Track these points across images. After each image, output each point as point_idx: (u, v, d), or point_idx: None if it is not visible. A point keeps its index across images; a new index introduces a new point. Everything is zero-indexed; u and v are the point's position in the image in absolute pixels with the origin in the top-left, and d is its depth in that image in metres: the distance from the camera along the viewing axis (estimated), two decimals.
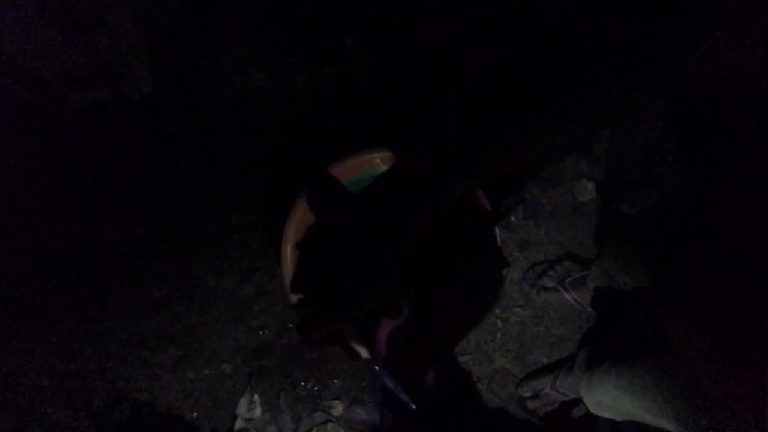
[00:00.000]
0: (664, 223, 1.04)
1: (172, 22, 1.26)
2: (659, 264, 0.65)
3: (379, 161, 0.89)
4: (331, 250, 0.41)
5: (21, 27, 1.09)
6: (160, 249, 1.22)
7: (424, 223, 0.37)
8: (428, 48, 1.25)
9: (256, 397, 1.17)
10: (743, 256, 0.46)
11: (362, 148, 0.90)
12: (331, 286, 0.40)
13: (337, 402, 1.16)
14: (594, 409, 0.90)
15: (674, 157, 1.17)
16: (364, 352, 0.54)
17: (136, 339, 1.20)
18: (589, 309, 1.12)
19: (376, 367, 0.48)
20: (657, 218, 1.13)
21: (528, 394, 1.15)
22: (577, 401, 1.12)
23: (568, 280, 1.12)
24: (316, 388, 1.17)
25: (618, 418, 0.84)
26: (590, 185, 1.20)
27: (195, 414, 1.18)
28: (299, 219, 0.88)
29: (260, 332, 1.19)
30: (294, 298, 0.71)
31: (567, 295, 1.11)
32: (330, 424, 1.15)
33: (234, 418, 1.16)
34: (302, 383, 1.17)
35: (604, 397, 0.81)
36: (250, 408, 1.16)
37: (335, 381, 1.17)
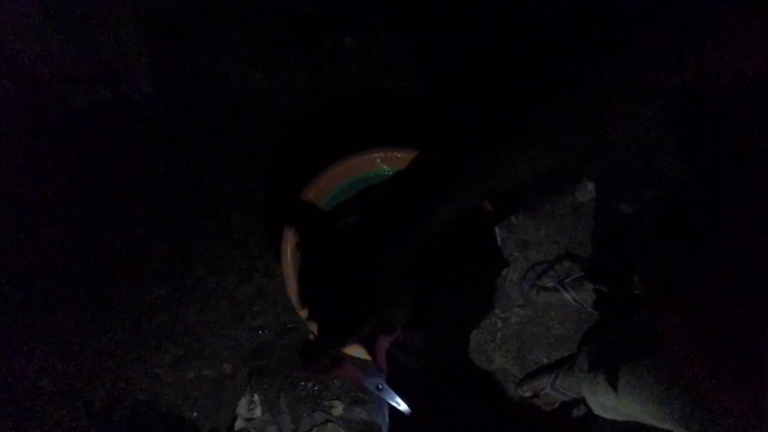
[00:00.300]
0: (661, 221, 1.04)
1: (172, 22, 1.26)
2: (653, 264, 0.64)
3: (379, 161, 0.89)
4: (328, 276, 0.41)
5: (21, 27, 1.09)
6: (160, 249, 1.22)
7: (419, 246, 0.37)
8: (428, 48, 1.25)
9: (256, 397, 1.17)
10: (741, 258, 0.46)
11: (362, 148, 0.90)
12: (331, 313, 0.40)
13: (337, 402, 1.16)
14: (598, 411, 0.90)
15: (674, 157, 1.17)
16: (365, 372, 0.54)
17: (136, 339, 1.20)
18: (589, 308, 1.12)
19: (379, 385, 0.48)
20: (653, 215, 1.13)
21: (528, 394, 1.15)
22: (577, 401, 1.12)
23: (567, 279, 1.12)
24: (316, 388, 1.17)
25: (622, 419, 0.84)
26: (590, 185, 1.20)
27: (195, 414, 1.18)
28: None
29: (260, 332, 1.19)
30: (304, 314, 0.71)
31: (567, 295, 1.11)
32: (330, 424, 1.15)
33: (234, 418, 1.16)
34: (302, 383, 1.17)
35: (608, 399, 0.81)
36: (250, 408, 1.16)
37: (335, 381, 1.17)
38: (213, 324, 1.20)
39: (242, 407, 1.16)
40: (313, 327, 0.44)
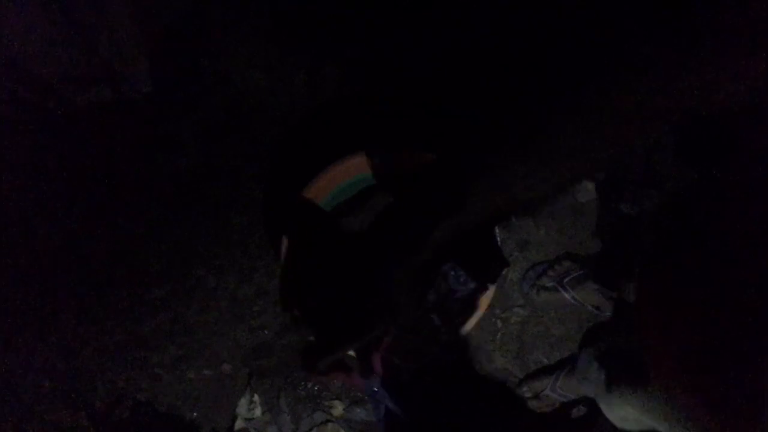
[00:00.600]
0: (661, 225, 1.04)
1: (172, 22, 1.26)
2: (653, 268, 0.64)
3: (378, 161, 0.89)
4: (332, 283, 0.41)
5: (21, 27, 1.09)
6: (160, 249, 1.22)
7: (425, 260, 0.37)
8: (428, 48, 1.25)
9: (256, 397, 1.17)
10: (743, 261, 0.46)
11: (362, 148, 0.90)
12: (334, 317, 0.40)
13: (337, 402, 1.16)
14: (620, 425, 0.89)
15: (674, 157, 1.17)
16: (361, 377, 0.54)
17: (136, 339, 1.20)
18: (589, 308, 1.12)
19: (376, 389, 0.48)
20: (653, 218, 1.13)
21: (528, 395, 1.15)
22: (577, 401, 1.12)
23: (566, 279, 1.12)
24: (316, 388, 1.17)
25: (645, 429, 0.84)
26: (590, 185, 1.20)
27: (195, 414, 1.18)
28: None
29: (260, 332, 1.19)
30: (287, 316, 0.71)
31: (566, 295, 1.11)
32: (330, 424, 1.15)
33: (234, 418, 1.16)
34: (302, 383, 1.17)
35: (628, 413, 0.81)
36: (250, 408, 1.16)
37: (335, 381, 1.17)
38: (213, 324, 1.20)
39: (242, 407, 1.16)
40: (303, 328, 0.43)
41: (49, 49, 1.13)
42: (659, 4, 0.30)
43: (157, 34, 1.24)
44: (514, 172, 0.35)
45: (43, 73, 1.17)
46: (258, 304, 1.20)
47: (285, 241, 0.88)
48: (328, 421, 1.15)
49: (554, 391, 1.10)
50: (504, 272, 1.18)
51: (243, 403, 1.16)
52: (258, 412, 1.16)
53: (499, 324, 1.19)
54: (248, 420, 1.15)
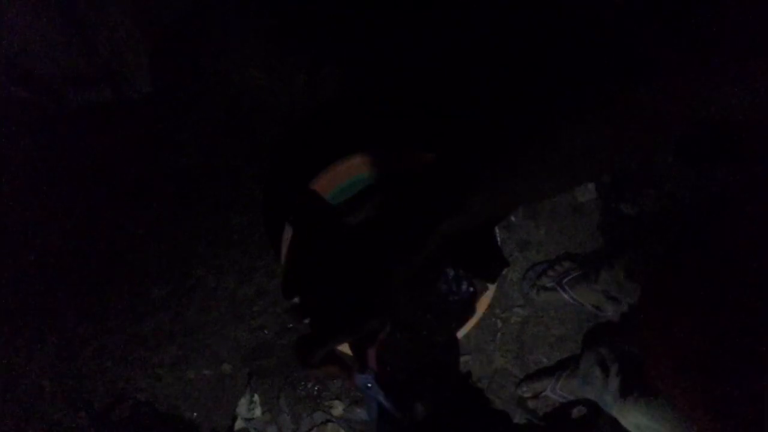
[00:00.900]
0: (663, 225, 1.04)
1: (172, 23, 1.25)
2: (657, 270, 0.64)
3: (379, 161, 0.89)
4: (331, 276, 0.41)
5: (21, 27, 1.09)
6: (160, 249, 1.22)
7: (424, 258, 0.37)
8: (428, 48, 1.25)
9: (256, 397, 1.17)
10: (743, 261, 0.46)
11: (362, 148, 0.90)
12: (330, 309, 0.40)
13: (337, 402, 1.16)
14: (634, 431, 0.89)
15: (674, 157, 1.17)
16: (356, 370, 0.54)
17: (136, 339, 1.20)
18: (589, 307, 1.12)
19: (369, 385, 0.48)
20: (656, 217, 1.13)
21: (528, 395, 1.15)
22: (577, 402, 1.12)
23: (566, 279, 1.12)
24: (316, 388, 1.17)
25: None
26: (590, 185, 1.20)
27: (195, 414, 1.18)
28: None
29: (260, 332, 1.19)
30: (287, 304, 0.70)
31: (566, 295, 1.11)
32: (330, 424, 1.15)
33: (234, 418, 1.16)
34: (302, 383, 1.17)
35: (642, 419, 0.81)
36: (250, 408, 1.16)
37: (335, 381, 1.17)
38: (213, 324, 1.20)
39: (242, 407, 1.16)
40: (300, 319, 0.43)
41: (49, 49, 1.13)
42: (660, 5, 0.30)
43: (157, 34, 1.24)
44: (515, 173, 0.35)
45: (43, 73, 1.17)
46: (258, 304, 1.20)
47: (288, 232, 0.87)
48: (328, 421, 1.15)
49: (554, 393, 1.10)
50: (504, 272, 1.18)
51: (243, 403, 1.16)
52: (258, 412, 1.16)
53: (499, 324, 1.19)
54: (248, 420, 1.15)
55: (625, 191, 1.17)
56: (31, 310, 1.20)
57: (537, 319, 1.19)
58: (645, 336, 0.60)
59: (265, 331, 1.19)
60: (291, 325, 1.19)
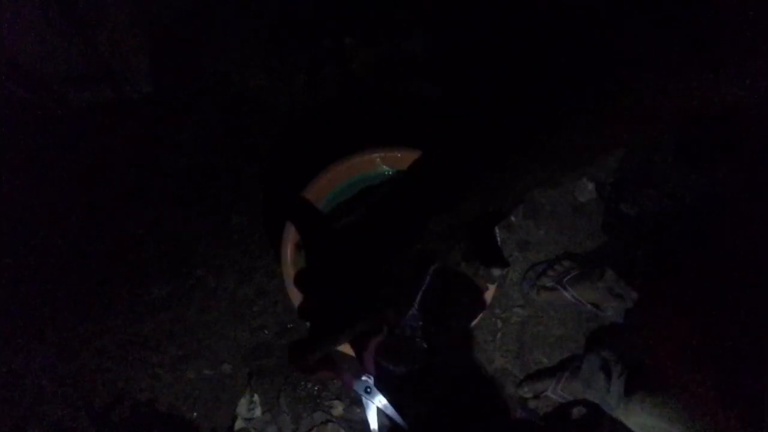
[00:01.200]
0: (664, 224, 1.04)
1: (172, 23, 1.25)
2: (656, 269, 0.64)
3: (379, 161, 0.89)
4: (327, 275, 0.41)
5: (21, 27, 1.09)
6: (160, 249, 1.22)
7: (422, 248, 0.37)
8: (428, 48, 1.25)
9: (256, 397, 1.17)
10: (744, 261, 0.46)
11: (362, 148, 0.90)
12: (326, 311, 0.40)
13: (337, 402, 1.16)
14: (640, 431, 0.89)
15: (674, 157, 1.17)
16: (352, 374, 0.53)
17: (136, 339, 1.20)
18: (589, 306, 1.12)
19: (367, 389, 0.47)
20: (656, 219, 1.13)
21: (529, 395, 1.15)
22: (578, 401, 1.12)
23: (566, 278, 1.12)
24: (316, 388, 1.17)
25: None
26: (590, 185, 1.20)
27: (195, 414, 1.18)
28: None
29: (260, 332, 1.19)
30: (295, 300, 0.70)
31: (566, 293, 1.11)
32: (330, 424, 1.15)
33: (234, 418, 1.16)
34: (302, 383, 1.17)
35: (646, 419, 0.81)
36: (250, 408, 1.16)
37: (335, 381, 1.17)
38: (213, 324, 1.20)
39: (242, 407, 1.16)
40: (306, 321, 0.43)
41: (49, 49, 1.13)
42: (659, 4, 0.30)
43: (157, 34, 1.24)
44: (511, 170, 0.35)
45: (43, 73, 1.17)
46: (258, 304, 1.20)
47: (288, 233, 0.87)
48: (328, 421, 1.15)
49: (555, 393, 1.10)
50: (504, 272, 1.18)
51: (243, 403, 1.16)
52: (258, 412, 1.16)
53: (499, 324, 1.19)
54: (248, 420, 1.15)
55: (625, 191, 1.17)
56: (31, 310, 1.20)
57: (537, 319, 1.19)
58: (647, 336, 0.60)
59: (265, 331, 1.19)
60: (291, 325, 1.19)
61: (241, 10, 1.27)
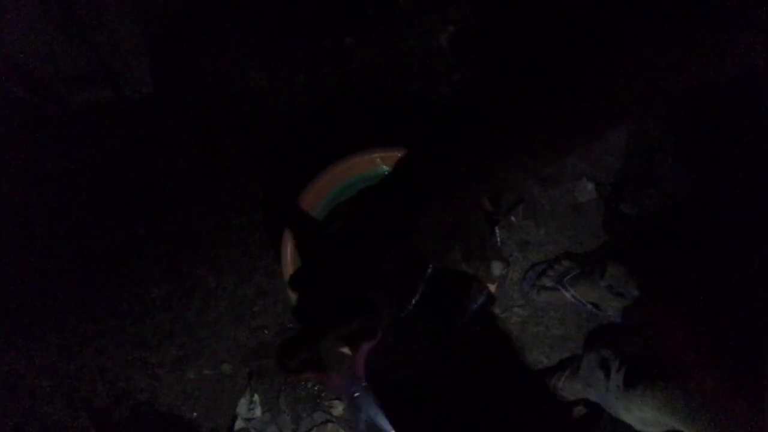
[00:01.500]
0: (664, 224, 1.04)
1: (172, 22, 1.26)
2: (657, 269, 0.65)
3: (379, 161, 0.89)
4: (320, 278, 0.41)
5: (21, 27, 1.09)
6: (160, 249, 1.22)
7: (408, 248, 0.37)
8: (428, 48, 1.25)
9: (256, 397, 1.17)
10: (743, 256, 0.46)
11: (362, 148, 0.90)
12: (316, 312, 0.40)
13: (337, 402, 1.16)
14: (640, 427, 0.89)
15: (674, 157, 1.17)
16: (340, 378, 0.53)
17: (136, 339, 1.20)
18: (589, 306, 1.12)
19: (357, 394, 0.46)
20: (656, 219, 1.13)
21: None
22: (578, 401, 1.12)
23: (566, 278, 1.12)
24: (316, 388, 1.17)
25: (663, 431, 0.84)
26: (590, 185, 1.20)
27: (195, 414, 1.18)
28: (307, 203, 0.88)
29: (260, 332, 1.19)
30: (293, 297, 0.70)
31: (566, 293, 1.11)
32: (330, 424, 1.15)
33: (234, 418, 1.16)
34: (302, 383, 1.17)
35: (647, 415, 0.81)
36: (250, 408, 1.16)
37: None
38: (213, 324, 1.20)
39: (242, 407, 1.16)
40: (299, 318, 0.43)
41: (49, 49, 1.13)
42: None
43: (157, 34, 1.24)
44: (504, 167, 0.35)
45: (43, 73, 1.17)
46: (258, 304, 1.20)
47: (287, 236, 0.87)
48: (328, 421, 1.15)
49: (555, 393, 1.10)
50: (504, 272, 1.18)
51: (243, 403, 1.16)
52: (258, 412, 1.16)
53: (499, 324, 1.19)
54: (248, 420, 1.15)
55: (625, 191, 1.17)
56: (31, 310, 1.20)
57: (537, 319, 1.19)
58: (651, 326, 0.60)
59: (265, 331, 1.19)
60: (291, 326, 1.19)
61: (241, 10, 1.27)
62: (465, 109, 0.38)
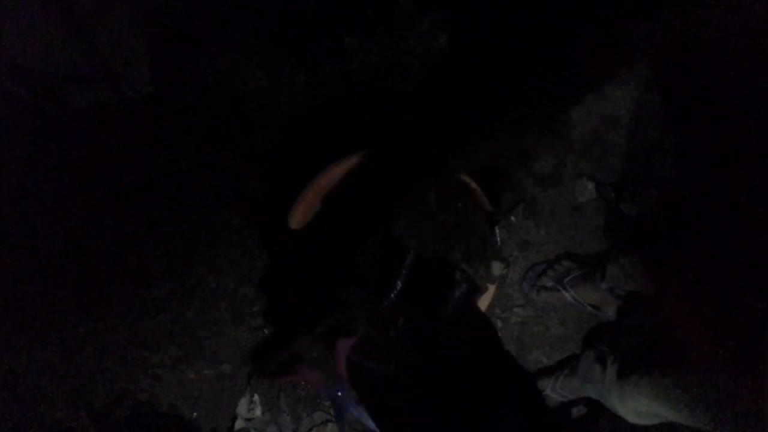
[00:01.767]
0: (664, 223, 1.04)
1: (172, 22, 1.25)
2: (660, 266, 0.65)
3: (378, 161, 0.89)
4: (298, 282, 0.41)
5: (21, 27, 1.09)
6: (160, 249, 1.22)
7: (376, 241, 0.37)
8: (428, 47, 1.25)
9: (256, 397, 1.17)
10: (743, 255, 0.46)
11: (362, 148, 0.90)
12: (294, 317, 0.40)
13: None
14: (633, 419, 0.89)
15: (674, 157, 1.17)
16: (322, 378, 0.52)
17: (136, 339, 1.20)
18: (588, 308, 1.12)
19: (339, 393, 0.46)
20: (656, 217, 1.13)
21: None
22: (578, 401, 1.12)
23: (567, 278, 1.12)
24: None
25: (657, 422, 0.84)
26: (590, 185, 1.20)
27: (195, 414, 1.18)
28: (307, 202, 0.89)
29: (260, 332, 1.19)
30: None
31: (566, 294, 1.11)
32: (330, 424, 1.15)
33: (234, 418, 1.16)
34: (302, 383, 1.17)
35: (640, 405, 0.81)
36: (250, 408, 1.16)
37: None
38: (213, 324, 1.20)
39: (242, 407, 1.16)
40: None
41: (49, 49, 1.13)
42: None
43: (157, 34, 1.24)
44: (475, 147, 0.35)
45: (43, 73, 1.17)
46: (258, 304, 1.20)
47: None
48: (328, 421, 1.15)
49: (554, 392, 1.10)
50: (504, 272, 1.18)
51: (243, 403, 1.16)
52: (258, 412, 1.16)
53: (499, 324, 1.19)
54: (248, 420, 1.15)
55: (625, 191, 1.17)
56: (31, 310, 1.20)
57: (537, 319, 1.19)
58: (663, 313, 0.60)
59: (265, 331, 1.19)
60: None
61: (241, 10, 1.27)
62: (467, 109, 0.38)
